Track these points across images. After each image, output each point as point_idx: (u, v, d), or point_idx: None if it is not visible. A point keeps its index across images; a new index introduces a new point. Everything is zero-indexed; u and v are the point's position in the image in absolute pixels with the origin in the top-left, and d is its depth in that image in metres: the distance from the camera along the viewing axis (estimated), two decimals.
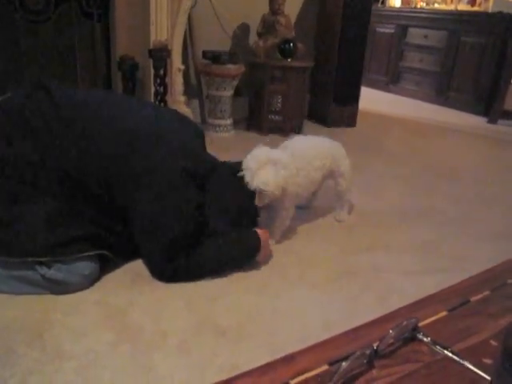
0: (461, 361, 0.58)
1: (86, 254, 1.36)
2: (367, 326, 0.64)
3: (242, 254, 1.54)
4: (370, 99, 4.49)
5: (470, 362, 0.57)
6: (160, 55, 2.64)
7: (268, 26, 3.23)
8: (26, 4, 2.54)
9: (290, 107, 3.22)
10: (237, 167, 1.57)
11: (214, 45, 3.15)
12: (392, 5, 5.60)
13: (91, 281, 1.39)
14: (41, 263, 1.31)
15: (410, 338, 0.61)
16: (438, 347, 0.60)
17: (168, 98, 2.78)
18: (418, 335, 0.61)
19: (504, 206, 2.29)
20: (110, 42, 2.87)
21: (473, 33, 4.42)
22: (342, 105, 3.57)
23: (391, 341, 0.59)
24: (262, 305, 1.37)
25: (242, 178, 1.54)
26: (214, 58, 2.97)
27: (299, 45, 3.19)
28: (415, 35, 5.03)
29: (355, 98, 3.62)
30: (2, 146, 1.37)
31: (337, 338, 0.61)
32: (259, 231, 1.56)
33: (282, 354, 0.58)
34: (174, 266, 1.43)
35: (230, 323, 1.27)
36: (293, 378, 0.54)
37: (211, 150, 1.73)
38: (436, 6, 5.15)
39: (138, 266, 1.51)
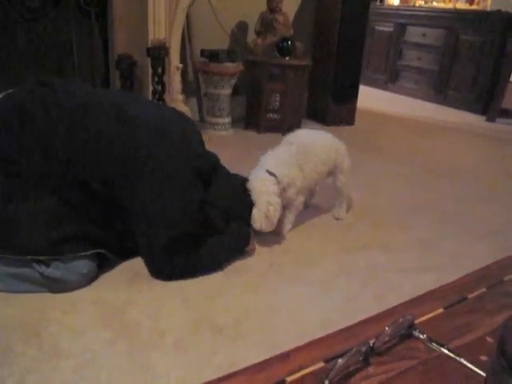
0: (457, 358, 0.58)
1: (85, 252, 1.36)
2: (363, 324, 0.64)
3: (237, 249, 1.59)
4: (369, 98, 4.48)
5: (467, 359, 0.57)
6: (158, 54, 2.64)
7: (266, 25, 3.22)
8: (24, 2, 2.53)
9: (288, 105, 3.22)
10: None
11: (212, 43, 3.14)
12: (390, 3, 5.60)
13: (89, 279, 1.39)
14: (39, 261, 1.31)
15: (406, 335, 0.61)
16: (434, 344, 0.60)
17: (166, 96, 2.78)
18: (414, 332, 0.61)
19: (501, 203, 2.29)
20: (107, 40, 2.87)
21: (471, 31, 4.42)
22: (340, 103, 3.57)
23: (387, 338, 0.59)
24: (259, 303, 1.37)
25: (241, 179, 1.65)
26: (212, 56, 2.96)
27: (297, 43, 3.19)
28: (414, 33, 5.02)
29: (354, 96, 3.62)
30: (4, 142, 1.36)
31: (333, 335, 0.61)
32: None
33: (280, 352, 0.58)
34: (174, 264, 1.43)
35: (227, 321, 1.27)
36: (289, 375, 0.53)
37: (210, 147, 1.72)
38: (434, 4, 5.15)
39: (135, 264, 1.51)
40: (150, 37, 2.67)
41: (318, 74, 3.57)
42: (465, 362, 0.57)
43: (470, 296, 0.71)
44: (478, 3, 4.72)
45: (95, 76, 2.91)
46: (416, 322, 0.63)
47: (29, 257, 1.29)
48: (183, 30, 2.90)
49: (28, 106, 1.40)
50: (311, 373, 0.54)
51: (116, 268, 1.48)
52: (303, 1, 3.60)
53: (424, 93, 4.96)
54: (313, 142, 1.83)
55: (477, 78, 4.39)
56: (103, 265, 1.44)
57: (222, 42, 3.28)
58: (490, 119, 4.17)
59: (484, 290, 0.73)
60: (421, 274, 1.58)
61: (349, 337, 0.61)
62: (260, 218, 1.59)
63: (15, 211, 1.31)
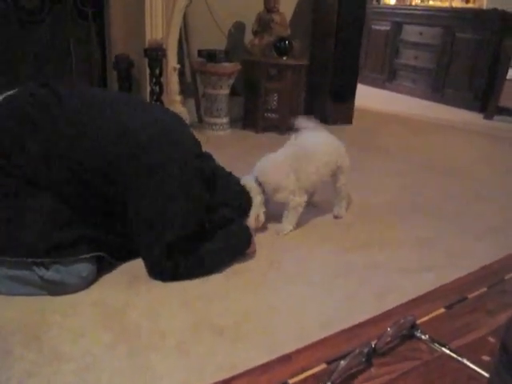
0: (459, 358, 0.57)
1: (85, 255, 1.35)
2: (365, 324, 0.64)
3: (238, 250, 1.58)
4: (367, 96, 4.48)
5: (469, 360, 0.57)
6: (155, 54, 2.64)
7: (263, 25, 3.22)
8: (21, 4, 2.53)
9: (285, 105, 3.22)
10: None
11: (210, 43, 3.14)
12: (387, 2, 5.60)
13: (89, 282, 1.38)
14: (39, 264, 1.30)
15: (408, 335, 0.61)
16: (436, 345, 0.60)
17: (164, 97, 2.77)
18: (415, 333, 0.61)
19: (500, 201, 2.29)
20: (105, 41, 2.86)
21: (468, 29, 4.43)
22: (338, 102, 3.57)
23: (389, 339, 0.59)
24: (260, 303, 1.37)
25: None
26: (210, 56, 2.96)
27: (295, 43, 3.19)
28: (410, 32, 5.03)
29: (351, 95, 3.62)
30: (5, 145, 1.35)
31: (334, 336, 0.61)
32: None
33: (280, 353, 0.58)
34: (174, 265, 1.42)
35: (228, 322, 1.27)
36: (291, 377, 0.53)
37: (208, 148, 1.72)
38: (431, 2, 5.16)
39: (135, 266, 1.50)
40: (148, 37, 2.67)
41: (316, 73, 3.57)
42: (467, 363, 0.57)
43: (471, 295, 0.71)
44: (474, 1, 4.73)
45: (93, 77, 2.90)
46: (417, 322, 0.63)
47: (29, 259, 1.29)
48: (180, 30, 2.90)
49: (30, 110, 1.39)
50: (313, 375, 0.54)
51: (115, 270, 1.48)
52: (300, 1, 3.60)
53: (421, 91, 4.96)
54: (314, 146, 1.85)
55: (474, 75, 4.40)
56: (102, 267, 1.44)
57: (219, 43, 3.27)
58: (488, 117, 4.18)
59: (485, 289, 0.73)
60: (421, 273, 1.57)
61: (351, 338, 0.61)
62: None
63: (16, 214, 1.30)
